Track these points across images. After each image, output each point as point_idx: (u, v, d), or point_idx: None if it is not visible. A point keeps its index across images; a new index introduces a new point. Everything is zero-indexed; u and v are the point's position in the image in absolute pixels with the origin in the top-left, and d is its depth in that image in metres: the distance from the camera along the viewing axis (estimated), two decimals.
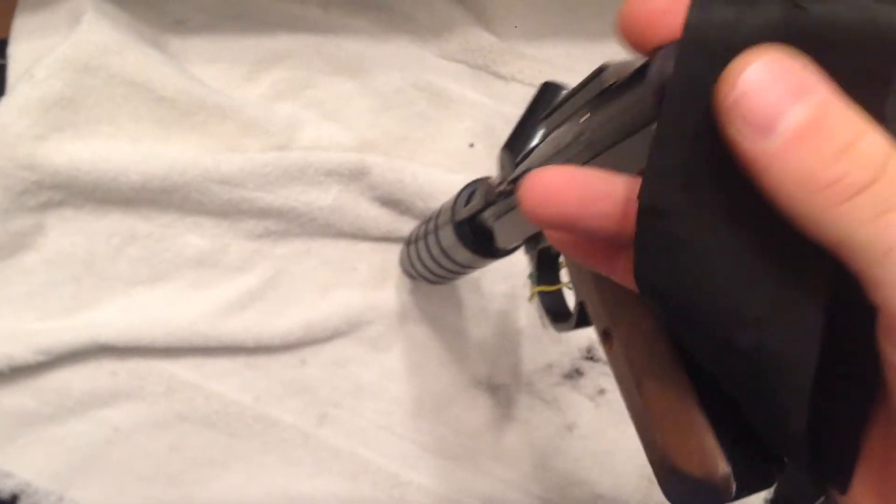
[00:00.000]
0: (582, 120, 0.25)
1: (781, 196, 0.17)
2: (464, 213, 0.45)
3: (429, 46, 0.62)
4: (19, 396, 0.54)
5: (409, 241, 0.56)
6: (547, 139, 0.30)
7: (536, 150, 0.32)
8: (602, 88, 0.24)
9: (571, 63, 0.62)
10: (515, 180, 0.35)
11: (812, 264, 0.17)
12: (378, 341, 0.59)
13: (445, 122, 0.60)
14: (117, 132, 0.55)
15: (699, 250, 0.18)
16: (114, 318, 0.55)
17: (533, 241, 0.40)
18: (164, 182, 0.53)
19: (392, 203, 0.58)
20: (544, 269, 0.41)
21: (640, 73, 0.21)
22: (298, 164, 0.56)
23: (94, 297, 0.56)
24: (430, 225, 0.51)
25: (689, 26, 0.18)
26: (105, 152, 0.53)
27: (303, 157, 0.56)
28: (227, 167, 0.54)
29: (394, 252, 0.59)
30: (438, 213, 0.50)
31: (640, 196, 0.19)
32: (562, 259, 0.40)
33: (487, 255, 0.46)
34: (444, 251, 0.49)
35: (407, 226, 0.59)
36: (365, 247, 0.59)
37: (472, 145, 0.59)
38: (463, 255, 0.47)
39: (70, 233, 0.55)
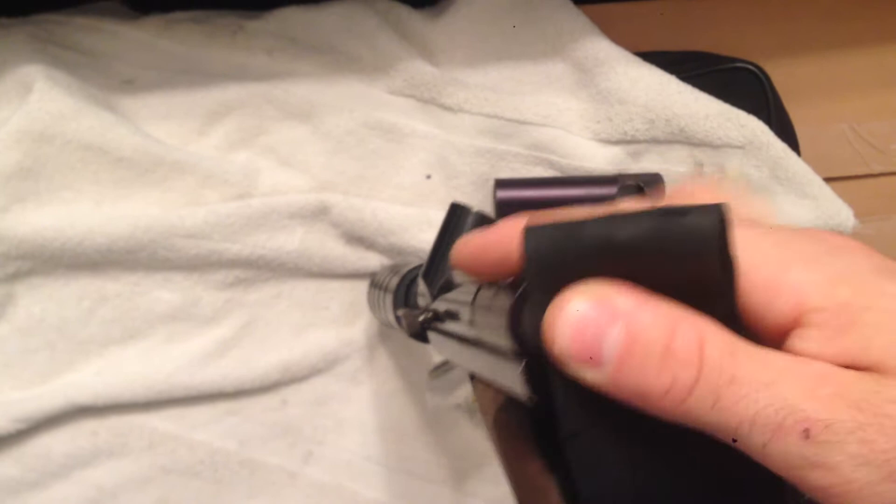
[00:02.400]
0: (470, 309, 0.28)
1: (640, 408, 0.19)
2: (399, 312, 0.45)
3: (376, 84, 0.64)
4: (2, 466, 0.54)
5: (374, 284, 0.57)
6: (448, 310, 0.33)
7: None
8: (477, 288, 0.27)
9: (517, 86, 0.64)
10: (435, 312, 0.36)
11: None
12: (355, 376, 0.60)
13: (399, 157, 0.61)
14: (78, 196, 0.56)
15: (614, 460, 0.20)
16: (90, 379, 0.56)
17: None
18: (130, 242, 0.54)
19: (356, 240, 0.60)
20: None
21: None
22: (261, 211, 0.57)
23: (69, 361, 0.56)
24: (386, 281, 0.52)
25: (526, 267, 0.20)
26: (68, 218, 0.54)
27: (264, 203, 0.57)
28: (192, 221, 0.55)
29: (362, 288, 0.61)
30: (395, 274, 0.51)
31: (557, 429, 0.21)
32: None
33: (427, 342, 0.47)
34: (392, 321, 0.50)
35: (374, 261, 0.60)
36: (335, 285, 0.60)
37: (428, 177, 0.61)
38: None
39: (40, 300, 0.55)
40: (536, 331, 0.20)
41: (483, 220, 0.39)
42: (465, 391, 0.56)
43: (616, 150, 0.61)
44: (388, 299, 0.51)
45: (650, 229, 0.19)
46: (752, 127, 0.60)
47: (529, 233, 0.21)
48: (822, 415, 0.17)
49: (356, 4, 0.67)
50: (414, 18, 0.67)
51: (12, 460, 0.54)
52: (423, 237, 0.59)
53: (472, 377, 0.38)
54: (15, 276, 0.54)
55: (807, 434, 0.17)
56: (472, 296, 0.28)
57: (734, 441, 0.18)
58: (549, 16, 0.66)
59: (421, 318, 0.37)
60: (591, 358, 0.19)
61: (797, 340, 0.19)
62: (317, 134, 0.61)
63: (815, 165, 0.62)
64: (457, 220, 0.39)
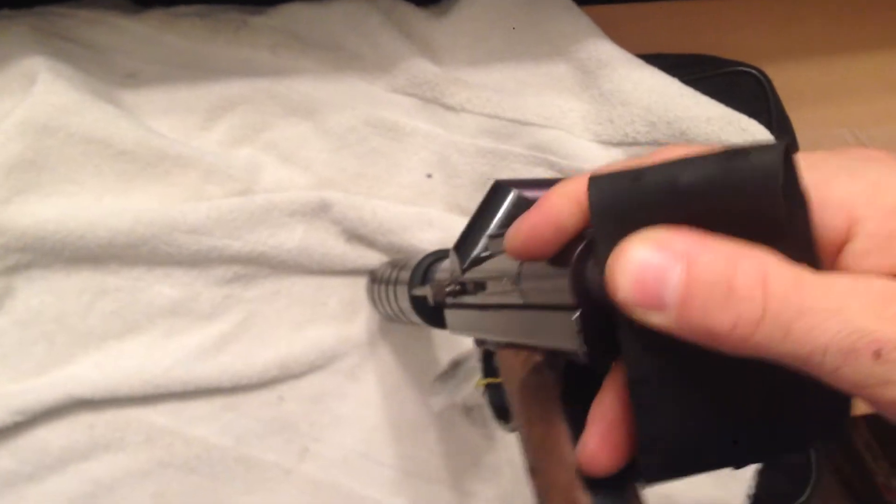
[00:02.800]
0: (515, 279, 0.29)
1: (709, 345, 0.19)
2: (417, 291, 0.46)
3: (378, 82, 0.64)
4: None
5: (375, 279, 0.57)
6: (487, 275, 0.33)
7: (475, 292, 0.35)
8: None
9: (519, 87, 0.64)
10: (463, 285, 0.36)
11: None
12: (353, 372, 0.61)
13: (401, 156, 0.62)
14: (80, 190, 0.56)
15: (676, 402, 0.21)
16: (88, 372, 0.56)
17: (479, 342, 0.41)
18: (131, 236, 0.54)
19: (356, 238, 0.60)
20: (489, 364, 0.43)
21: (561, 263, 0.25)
22: (263, 208, 0.57)
23: (68, 354, 0.56)
24: (392, 274, 0.52)
25: (592, 213, 0.21)
26: (70, 211, 0.54)
27: (267, 200, 0.57)
28: (194, 217, 0.55)
29: (362, 285, 0.61)
30: (401, 268, 0.51)
31: (627, 373, 0.22)
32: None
33: (441, 327, 0.47)
34: (401, 310, 0.50)
35: (373, 259, 0.60)
36: (334, 282, 0.61)
37: (429, 176, 0.62)
38: (417, 319, 0.48)
39: (39, 292, 0.55)
40: (601, 282, 0.21)
41: (522, 203, 0.39)
42: (465, 392, 0.56)
43: (617, 152, 0.61)
44: (392, 292, 0.51)
45: (715, 171, 0.19)
46: (752, 131, 0.60)
47: (593, 182, 0.21)
48: (892, 335, 0.18)
49: (359, 2, 0.67)
50: (417, 17, 0.67)
51: (9, 453, 0.54)
52: (423, 236, 0.59)
53: (489, 349, 0.39)
54: (15, 269, 0.54)
55: (878, 354, 0.18)
56: (515, 266, 0.28)
57: (804, 367, 0.19)
58: (552, 17, 0.66)
59: (448, 289, 0.38)
60: (655, 302, 0.19)
61: (853, 255, 0.20)
62: (319, 131, 0.61)
63: None
64: (497, 199, 0.40)
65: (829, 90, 0.75)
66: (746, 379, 0.21)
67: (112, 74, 0.62)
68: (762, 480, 0.58)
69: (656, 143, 0.61)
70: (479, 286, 0.34)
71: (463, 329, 0.41)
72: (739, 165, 0.19)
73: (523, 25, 0.67)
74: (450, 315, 0.42)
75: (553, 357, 0.28)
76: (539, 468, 0.28)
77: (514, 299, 0.29)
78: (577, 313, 0.23)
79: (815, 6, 0.79)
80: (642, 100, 0.60)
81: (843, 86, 0.76)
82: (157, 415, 0.57)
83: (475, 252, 0.38)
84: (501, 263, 0.32)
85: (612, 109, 0.61)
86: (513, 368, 0.32)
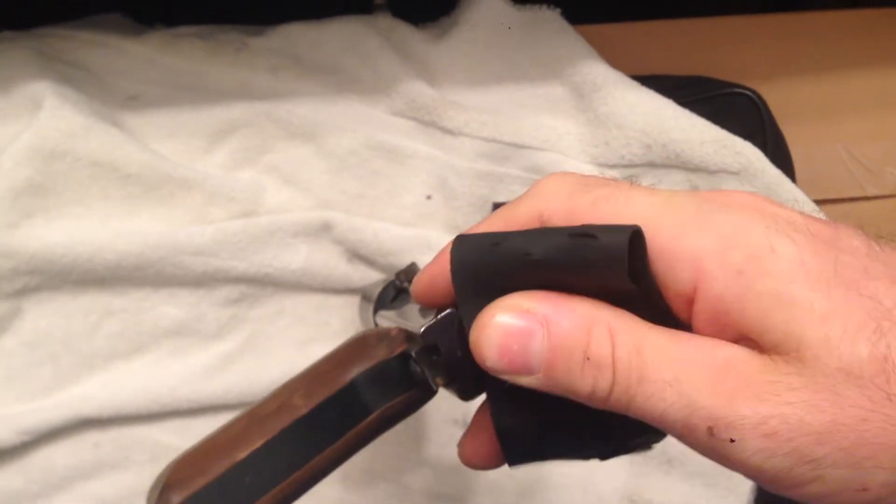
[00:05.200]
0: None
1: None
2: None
3: (378, 105, 0.65)
4: (6, 477, 0.55)
5: (364, 297, 0.58)
6: None
7: None
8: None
9: (516, 110, 0.65)
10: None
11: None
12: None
13: (401, 178, 0.63)
14: (87, 212, 0.57)
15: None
16: (94, 391, 0.57)
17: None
18: (139, 258, 0.55)
19: (358, 258, 0.61)
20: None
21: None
22: (267, 229, 0.58)
23: (74, 374, 0.57)
24: (373, 294, 0.55)
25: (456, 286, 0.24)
26: (78, 234, 0.55)
27: (270, 221, 0.58)
28: (200, 239, 0.56)
29: None
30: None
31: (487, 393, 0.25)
32: None
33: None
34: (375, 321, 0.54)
35: (375, 278, 0.61)
36: (336, 301, 0.62)
37: (428, 198, 0.63)
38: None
39: (47, 314, 0.56)
40: (454, 340, 0.24)
41: None
42: (462, 409, 0.57)
43: (613, 174, 0.63)
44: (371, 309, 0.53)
45: (562, 248, 0.20)
46: (747, 154, 0.62)
47: (457, 243, 0.23)
48: (724, 412, 0.18)
49: (359, 22, 0.68)
50: (416, 39, 0.68)
51: (15, 472, 0.55)
52: (422, 258, 0.60)
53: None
54: (23, 291, 0.55)
55: (711, 432, 0.19)
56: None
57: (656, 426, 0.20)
58: (548, 40, 0.67)
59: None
60: (522, 369, 0.21)
61: (700, 315, 0.21)
62: (320, 153, 0.62)
63: (810, 187, 0.63)
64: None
65: (824, 107, 0.76)
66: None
67: (115, 97, 0.63)
68: (761, 494, 0.60)
69: (652, 166, 0.62)
70: None
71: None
72: (585, 247, 0.20)
73: (520, 49, 0.68)
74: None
75: (405, 340, 0.30)
76: (293, 384, 0.32)
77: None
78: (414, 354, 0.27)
79: (808, 25, 0.80)
80: (637, 122, 0.62)
81: (836, 102, 0.77)
82: (162, 433, 0.58)
83: None
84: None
85: (607, 132, 0.62)
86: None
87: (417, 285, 0.28)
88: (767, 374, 0.19)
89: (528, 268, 0.21)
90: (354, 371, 0.29)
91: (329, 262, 0.60)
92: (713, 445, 0.19)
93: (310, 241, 0.60)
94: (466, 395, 0.27)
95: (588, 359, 0.20)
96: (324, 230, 0.60)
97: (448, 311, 0.26)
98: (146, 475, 0.57)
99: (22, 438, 0.54)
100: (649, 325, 0.21)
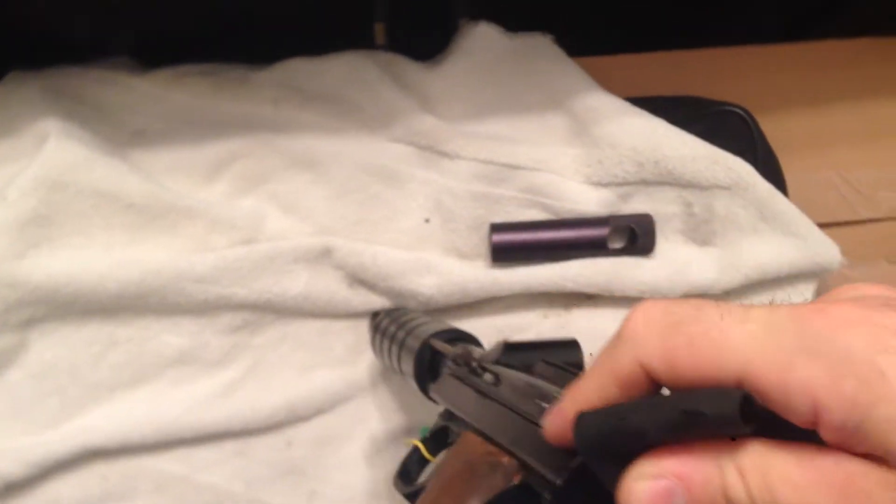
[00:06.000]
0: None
1: None
2: (437, 342, 0.49)
3: (377, 132, 0.66)
4: None
5: (378, 330, 0.59)
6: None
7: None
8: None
9: (512, 133, 0.66)
10: (488, 372, 0.39)
11: None
12: (358, 413, 0.62)
13: (399, 202, 0.64)
14: (90, 242, 0.58)
15: None
16: (100, 422, 0.57)
17: (449, 414, 0.44)
18: (141, 287, 0.56)
19: (358, 282, 0.62)
20: (436, 439, 0.46)
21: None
22: (268, 256, 0.59)
23: (80, 406, 0.57)
24: (398, 334, 0.55)
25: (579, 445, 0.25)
26: (81, 264, 0.56)
27: (271, 248, 0.59)
28: (202, 267, 0.57)
29: (366, 328, 0.62)
30: (408, 332, 0.54)
31: None
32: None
33: (421, 389, 0.51)
34: (401, 371, 0.53)
35: (376, 302, 0.62)
36: (338, 326, 0.62)
37: (427, 221, 0.63)
38: (410, 371, 0.51)
39: (52, 345, 0.57)
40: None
41: None
42: None
43: (606, 193, 0.63)
44: (397, 352, 0.53)
45: (677, 426, 0.22)
46: (738, 169, 0.62)
47: (580, 421, 0.25)
48: None
49: (358, 56, 0.70)
50: (413, 70, 0.70)
51: None
52: (422, 281, 0.61)
53: (450, 427, 0.42)
54: (29, 323, 0.56)
55: None
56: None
57: None
58: (542, 66, 0.69)
59: (474, 364, 0.40)
60: None
61: (825, 434, 0.21)
62: (319, 180, 0.63)
63: (804, 211, 0.64)
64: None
65: (817, 135, 0.77)
66: None
67: (120, 132, 0.65)
68: None
69: (644, 183, 0.63)
70: (499, 380, 0.37)
71: (449, 400, 0.43)
72: (699, 421, 0.22)
73: (514, 74, 0.69)
74: (445, 383, 0.44)
75: (519, 470, 0.31)
76: None
77: (528, 409, 0.32)
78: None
79: (799, 55, 0.81)
80: (629, 141, 0.63)
81: (830, 131, 0.78)
82: (167, 462, 0.58)
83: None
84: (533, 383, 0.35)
85: (600, 152, 0.63)
86: (471, 450, 0.34)
87: (552, 429, 0.28)
88: (890, 490, 0.20)
89: (652, 435, 0.23)
90: None
91: (330, 286, 0.61)
92: None
93: (310, 267, 0.60)
94: None
95: (728, 501, 0.21)
96: (324, 255, 0.61)
97: (578, 462, 0.27)
98: None
99: (30, 471, 0.54)
100: (772, 446, 0.22)
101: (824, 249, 0.63)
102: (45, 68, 0.66)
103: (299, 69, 0.69)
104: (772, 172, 0.67)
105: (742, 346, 0.22)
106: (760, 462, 0.21)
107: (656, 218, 0.63)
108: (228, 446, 0.59)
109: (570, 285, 0.62)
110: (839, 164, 0.77)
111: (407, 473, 0.46)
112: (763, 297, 0.64)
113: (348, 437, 0.61)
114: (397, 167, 0.64)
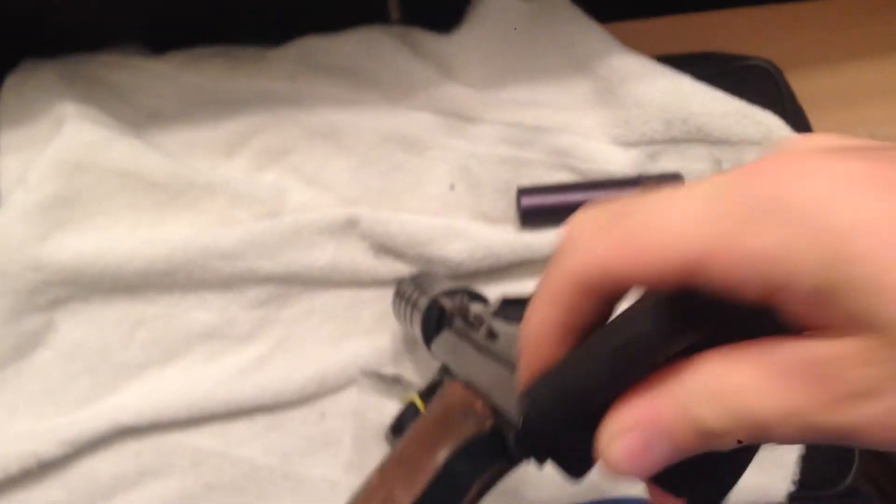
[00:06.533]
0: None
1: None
2: (443, 299, 0.48)
3: (397, 101, 0.65)
4: (49, 491, 0.55)
5: (399, 294, 0.58)
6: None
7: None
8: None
9: (534, 96, 0.66)
10: (483, 326, 0.38)
11: None
12: (390, 381, 0.61)
13: (423, 169, 0.63)
14: (114, 222, 0.57)
15: None
16: (132, 400, 0.57)
17: (444, 369, 0.43)
18: (168, 264, 0.56)
19: (385, 252, 0.61)
20: (430, 394, 0.45)
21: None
22: (292, 228, 0.58)
23: (111, 384, 0.57)
24: (413, 295, 0.54)
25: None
26: (107, 243, 0.55)
27: (295, 220, 0.59)
28: (226, 241, 0.57)
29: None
30: (422, 291, 0.53)
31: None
32: None
33: (427, 347, 0.49)
34: (413, 330, 0.52)
35: (404, 271, 0.61)
36: (366, 296, 0.62)
37: (452, 187, 0.63)
38: (419, 332, 0.50)
39: (80, 325, 0.57)
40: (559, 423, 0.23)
41: None
42: None
43: (635, 153, 0.62)
44: (410, 312, 0.53)
45: (615, 369, 0.21)
46: (767, 123, 0.61)
47: (524, 400, 0.23)
48: None
49: (373, 30, 0.69)
50: (430, 40, 0.69)
51: (59, 485, 0.55)
52: (451, 247, 0.60)
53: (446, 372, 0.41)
54: (55, 303, 0.56)
55: None
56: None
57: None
58: (561, 27, 0.67)
59: (473, 318, 0.39)
60: (658, 464, 0.21)
61: None
62: (341, 151, 0.63)
63: None
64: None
65: (845, 93, 0.76)
66: None
67: (136, 114, 0.64)
68: (805, 465, 0.58)
69: (673, 141, 0.62)
70: (493, 335, 0.36)
71: (444, 354, 0.42)
72: (636, 352, 0.21)
73: (533, 37, 0.68)
74: (444, 337, 0.44)
75: (492, 416, 0.30)
76: (386, 471, 0.30)
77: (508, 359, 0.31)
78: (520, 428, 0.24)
79: (827, 12, 0.80)
80: (656, 99, 0.61)
81: (859, 88, 0.77)
82: (202, 438, 0.58)
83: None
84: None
85: (627, 111, 0.62)
86: (449, 398, 0.33)
87: (528, 343, 0.24)
88: (869, 366, 0.17)
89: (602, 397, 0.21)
90: (445, 451, 0.29)
91: (356, 257, 0.60)
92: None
93: (335, 238, 0.60)
94: (576, 474, 0.25)
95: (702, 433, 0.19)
96: (349, 226, 0.60)
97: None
98: (188, 481, 0.57)
99: (64, 450, 0.54)
100: (728, 356, 0.19)
101: None
102: (58, 56, 0.66)
103: (315, 46, 0.68)
104: (801, 127, 0.66)
105: (685, 228, 0.19)
106: (721, 381, 0.19)
107: (686, 176, 0.62)
108: (261, 420, 0.58)
109: None
110: (869, 121, 0.75)
111: (401, 428, 0.45)
112: None
113: (381, 407, 0.61)
114: (419, 135, 0.63)
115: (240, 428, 0.58)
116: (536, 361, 0.23)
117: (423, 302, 0.51)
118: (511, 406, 0.28)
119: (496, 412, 0.29)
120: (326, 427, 0.59)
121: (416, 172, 0.63)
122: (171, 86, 0.66)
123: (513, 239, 0.60)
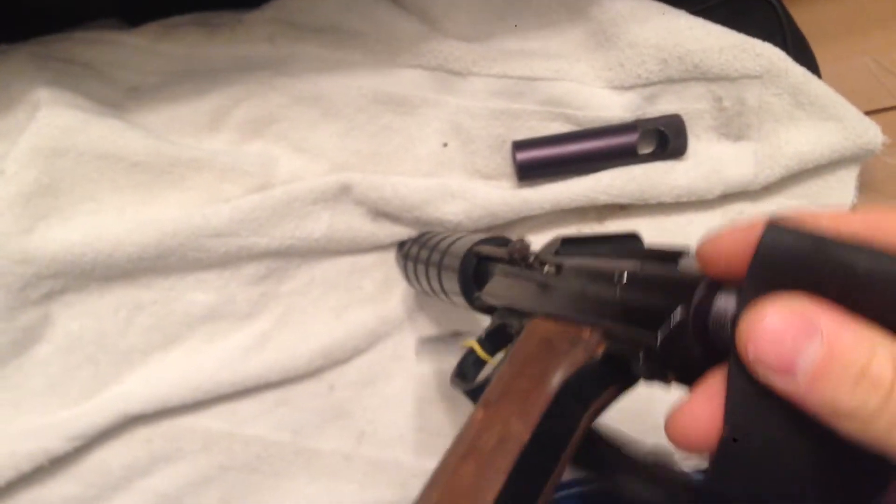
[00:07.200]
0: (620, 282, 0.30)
1: (819, 418, 0.19)
2: (482, 248, 0.47)
3: (381, 58, 0.63)
4: (62, 485, 0.55)
5: (409, 258, 0.57)
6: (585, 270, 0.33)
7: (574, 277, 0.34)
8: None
9: (523, 43, 0.63)
10: (548, 264, 0.37)
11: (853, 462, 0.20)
12: (396, 350, 0.60)
13: (413, 129, 0.61)
14: (100, 207, 0.56)
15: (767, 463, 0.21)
16: (137, 388, 0.56)
17: (506, 312, 0.42)
18: (159, 247, 0.54)
19: (382, 216, 0.59)
20: (492, 340, 0.44)
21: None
22: (284, 201, 0.57)
23: (114, 373, 0.56)
24: (432, 257, 0.52)
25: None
26: (95, 230, 0.54)
27: (286, 192, 0.57)
28: (217, 219, 0.55)
29: (393, 262, 0.60)
30: (447, 248, 0.51)
31: (723, 426, 0.22)
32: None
33: (468, 299, 0.48)
34: (443, 290, 0.51)
35: (402, 234, 0.60)
36: (366, 262, 0.60)
37: (445, 145, 0.61)
38: (453, 288, 0.49)
39: (76, 316, 0.55)
40: (724, 323, 0.22)
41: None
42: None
43: (631, 96, 0.60)
44: (436, 274, 0.51)
45: (891, 274, 0.19)
46: (768, 55, 0.59)
47: (771, 229, 0.21)
48: None
49: None
50: None
51: (71, 479, 0.55)
52: (447, 208, 0.58)
53: (508, 323, 0.40)
54: (49, 296, 0.54)
55: None
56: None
57: None
58: None
59: (546, 264, 0.38)
60: (785, 367, 0.19)
61: None
62: (328, 115, 0.61)
63: None
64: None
65: (848, 22, 0.73)
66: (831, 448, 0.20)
67: (114, 92, 0.62)
68: None
69: (670, 81, 0.60)
70: (560, 270, 0.35)
71: (506, 297, 0.41)
72: None
73: None
74: (497, 283, 0.43)
75: (603, 340, 0.29)
76: (496, 405, 0.30)
77: (598, 287, 0.30)
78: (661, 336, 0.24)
79: None
80: (650, 38, 0.59)
81: (861, 16, 0.74)
82: (211, 420, 0.57)
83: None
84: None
85: (620, 53, 0.60)
86: (544, 332, 0.32)
87: (708, 249, 0.24)
88: None
89: (841, 278, 0.20)
90: (557, 380, 0.29)
91: (353, 223, 0.59)
92: None
93: (330, 206, 0.58)
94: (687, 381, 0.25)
95: (864, 375, 0.18)
96: (343, 193, 0.58)
97: (678, 318, 0.24)
98: (201, 464, 0.56)
99: (73, 444, 0.54)
100: None
101: (864, 130, 0.60)
102: (31, 38, 0.63)
103: (292, 4, 0.65)
104: (804, 59, 0.63)
105: None
106: None
107: (686, 117, 0.60)
108: (270, 397, 0.58)
109: (603, 197, 0.59)
110: (873, 49, 0.73)
111: (463, 375, 0.44)
112: (804, 190, 0.61)
113: (389, 375, 0.60)
114: (407, 93, 0.61)
115: (248, 406, 0.58)
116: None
117: (450, 260, 0.50)
118: (629, 323, 0.27)
119: (606, 335, 0.29)
120: (335, 399, 0.59)
121: (407, 133, 0.61)
122: (149, 59, 0.63)
123: (509, 196, 0.59)
